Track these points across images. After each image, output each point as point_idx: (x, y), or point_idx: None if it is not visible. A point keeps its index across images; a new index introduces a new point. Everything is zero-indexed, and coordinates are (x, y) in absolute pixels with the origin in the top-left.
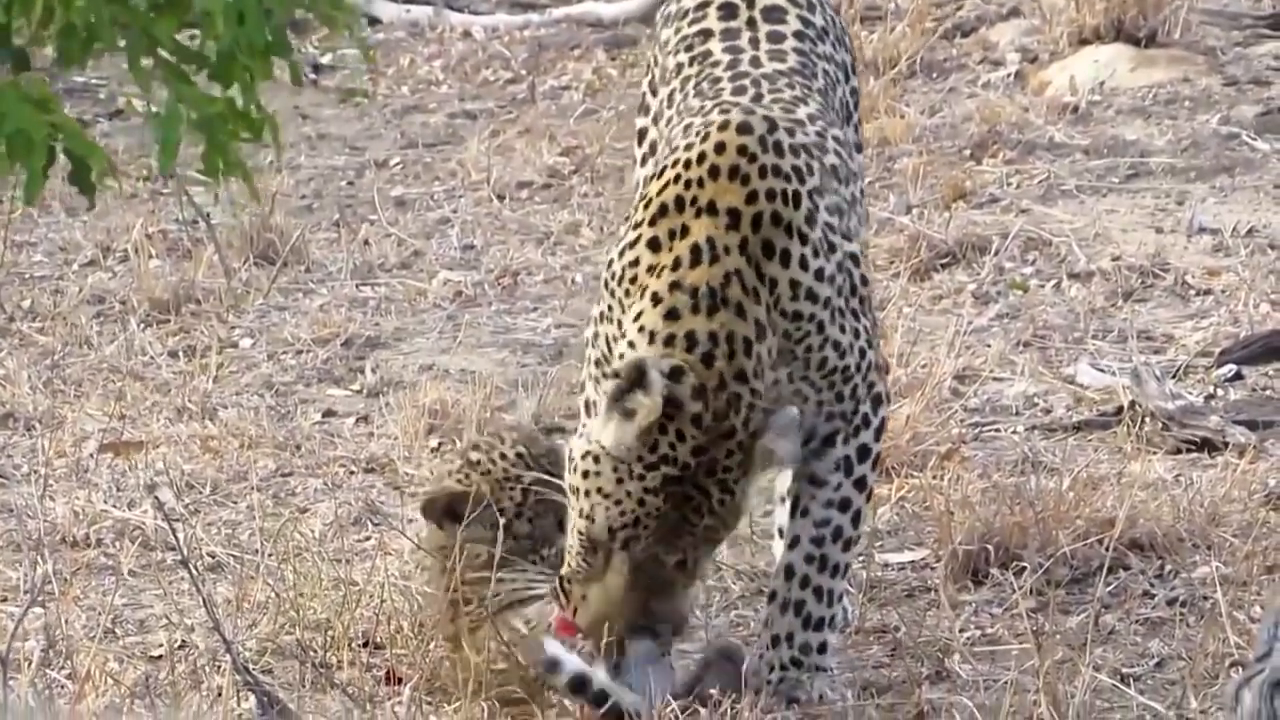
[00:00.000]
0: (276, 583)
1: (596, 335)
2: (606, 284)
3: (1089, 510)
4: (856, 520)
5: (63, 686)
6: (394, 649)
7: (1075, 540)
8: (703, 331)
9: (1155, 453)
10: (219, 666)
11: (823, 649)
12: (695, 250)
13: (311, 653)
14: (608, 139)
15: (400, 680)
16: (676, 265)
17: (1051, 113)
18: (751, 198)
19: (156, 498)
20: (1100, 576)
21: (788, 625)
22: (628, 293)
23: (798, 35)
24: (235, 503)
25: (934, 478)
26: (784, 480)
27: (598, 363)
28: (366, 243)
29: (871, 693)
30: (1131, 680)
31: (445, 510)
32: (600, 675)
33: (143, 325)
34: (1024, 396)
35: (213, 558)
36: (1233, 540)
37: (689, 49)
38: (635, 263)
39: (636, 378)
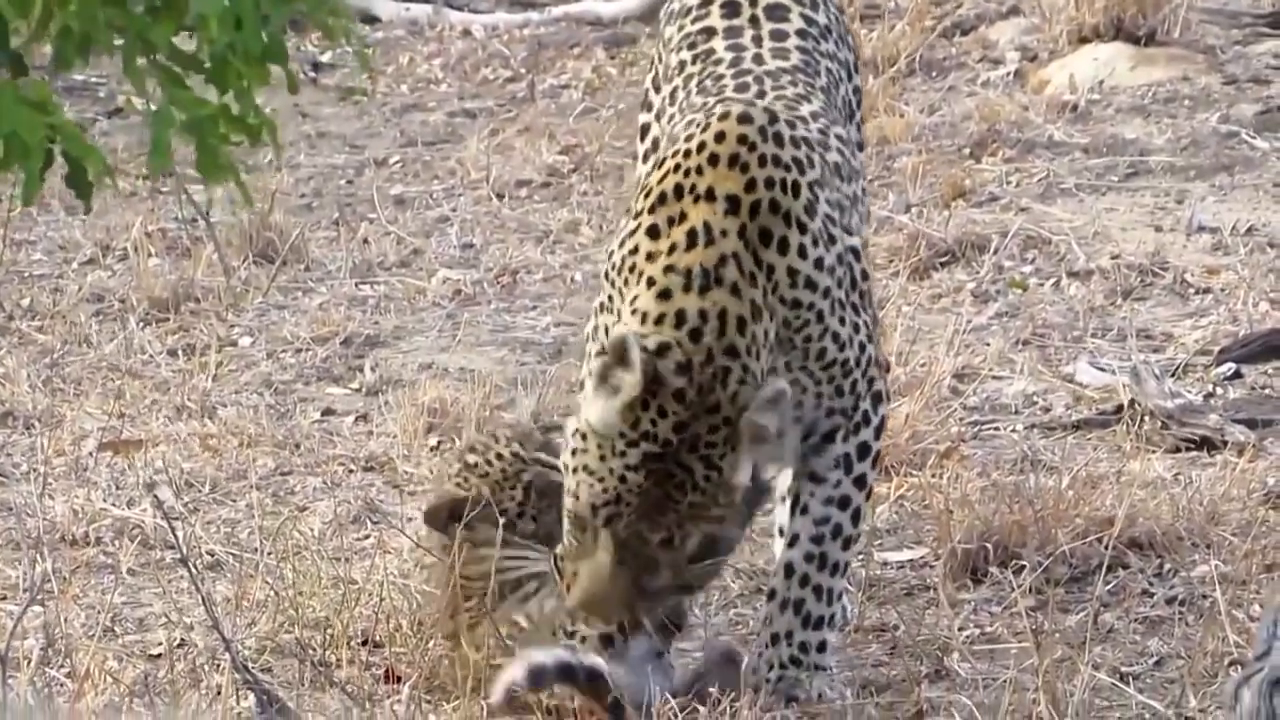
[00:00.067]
0: (275, 581)
1: (597, 328)
2: (607, 274)
3: (1088, 509)
4: (856, 518)
5: (62, 685)
6: (393, 647)
7: (1074, 539)
8: (693, 309)
9: (1154, 451)
10: (218, 665)
11: (822, 647)
12: (692, 234)
13: (311, 651)
14: (607, 137)
15: (399, 679)
16: (672, 250)
17: (1051, 111)
18: (750, 185)
19: (156, 496)
20: (1099, 575)
21: (787, 623)
22: (627, 281)
23: (800, 33)
24: (234, 501)
25: (933, 476)
26: (784, 478)
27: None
28: (366, 241)
29: (870, 691)
30: (1131, 679)
31: (449, 517)
32: (587, 658)
33: (142, 324)
34: (1023, 395)
35: (212, 556)
36: (1232, 539)
37: (692, 46)
38: (634, 250)
39: (620, 353)
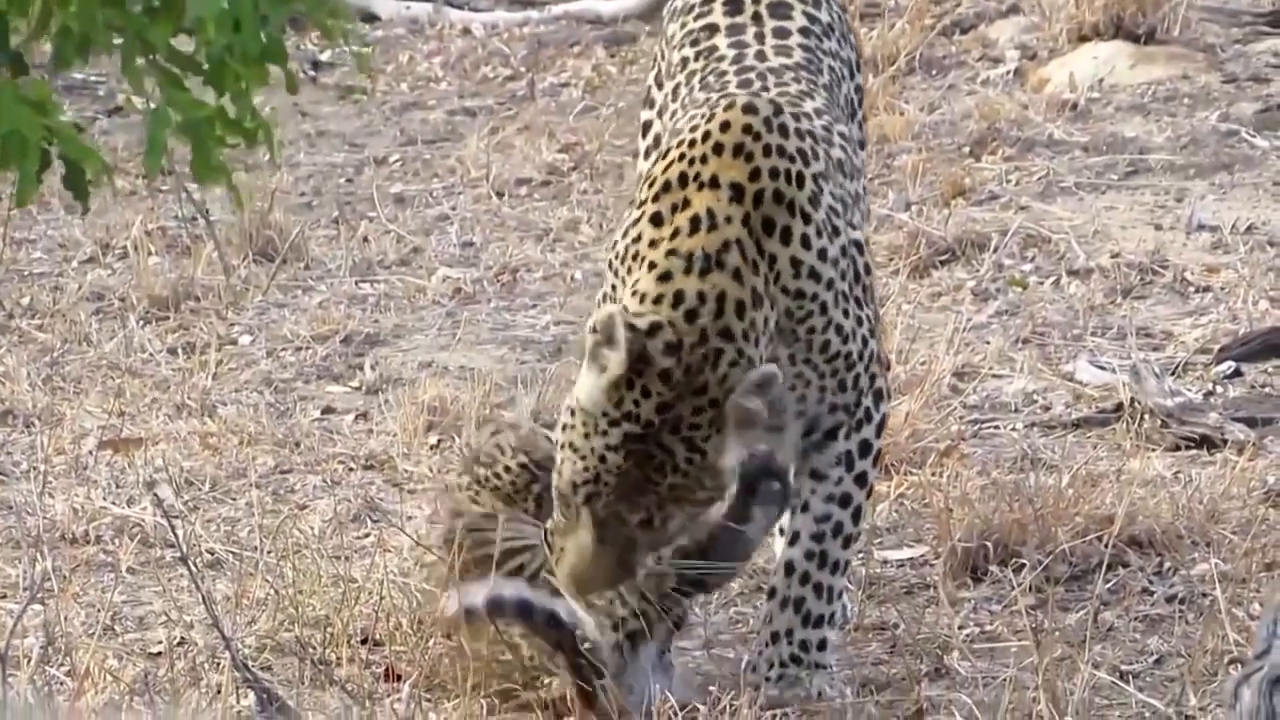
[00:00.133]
0: (275, 580)
1: None
2: (610, 264)
3: (1088, 507)
4: (857, 516)
5: (62, 683)
6: (393, 646)
7: (1074, 537)
8: (692, 290)
9: (1154, 450)
10: (218, 663)
11: (822, 646)
12: (695, 220)
13: (311, 650)
14: (607, 136)
15: (399, 677)
16: (675, 234)
17: (1051, 110)
18: (755, 174)
19: (155, 495)
20: (1099, 573)
21: (787, 622)
22: (630, 269)
23: (803, 31)
24: (234, 500)
25: (933, 475)
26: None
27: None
28: (366, 240)
29: (870, 690)
30: (1130, 677)
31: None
32: (550, 601)
33: (142, 322)
34: (1023, 393)
35: (212, 554)
36: (1232, 537)
37: (694, 43)
38: (638, 239)
39: (609, 332)
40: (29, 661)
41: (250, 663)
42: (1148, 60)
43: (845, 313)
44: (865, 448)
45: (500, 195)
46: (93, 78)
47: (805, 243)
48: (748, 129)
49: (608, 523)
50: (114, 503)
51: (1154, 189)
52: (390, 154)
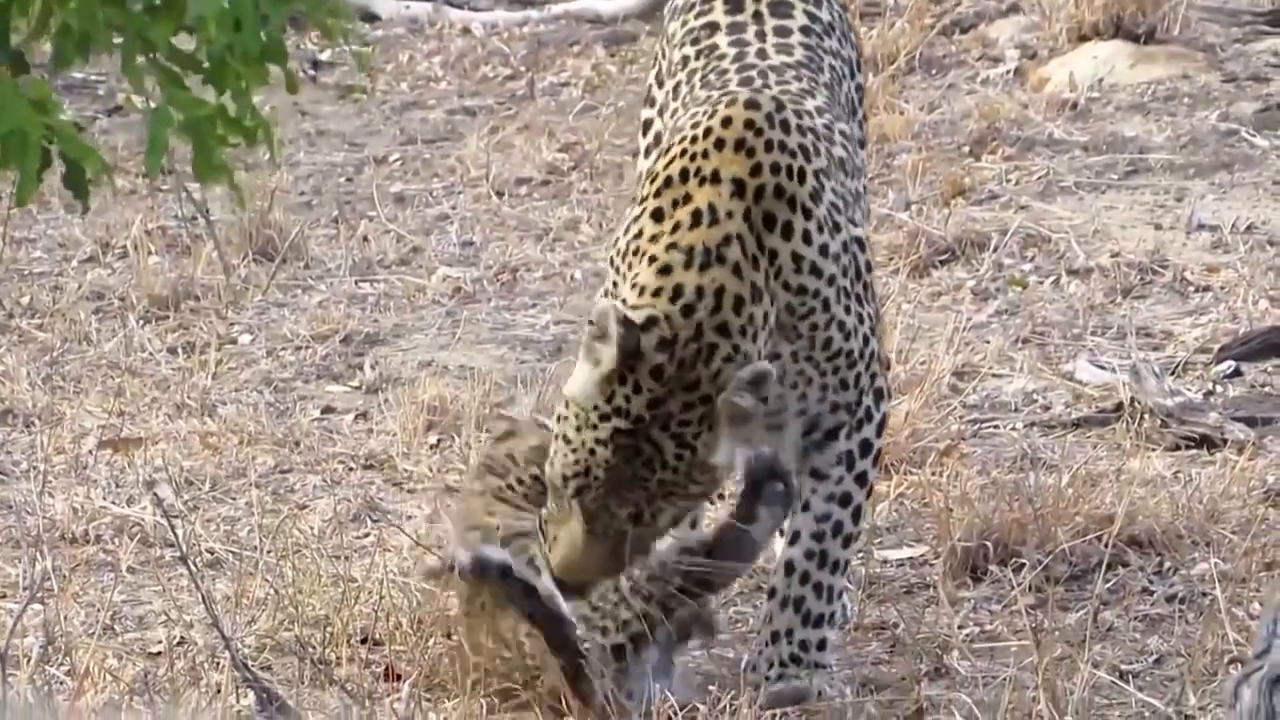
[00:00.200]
0: (275, 579)
1: None
2: (612, 261)
3: (1088, 507)
4: (857, 516)
5: (62, 683)
6: (393, 645)
7: (1074, 537)
8: (691, 284)
9: (1154, 449)
10: (218, 663)
11: (822, 646)
12: (696, 215)
13: (310, 649)
14: (607, 135)
15: (399, 677)
16: (676, 229)
17: (1050, 109)
18: (756, 170)
19: (155, 494)
20: (1099, 573)
21: (787, 621)
22: (630, 265)
23: (804, 30)
24: (234, 499)
25: (933, 474)
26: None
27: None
28: (365, 239)
29: (870, 689)
30: (1130, 677)
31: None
32: (531, 576)
33: (142, 321)
34: (1023, 393)
35: (212, 554)
36: (1231, 537)
37: (695, 42)
38: (639, 234)
39: (603, 326)
40: (29, 661)
41: (250, 662)
42: (1147, 60)
43: (847, 309)
44: (866, 447)
45: (500, 195)
46: (92, 77)
47: (807, 238)
48: (750, 124)
49: (598, 515)
50: (114, 502)
51: (1154, 188)
52: (390, 153)
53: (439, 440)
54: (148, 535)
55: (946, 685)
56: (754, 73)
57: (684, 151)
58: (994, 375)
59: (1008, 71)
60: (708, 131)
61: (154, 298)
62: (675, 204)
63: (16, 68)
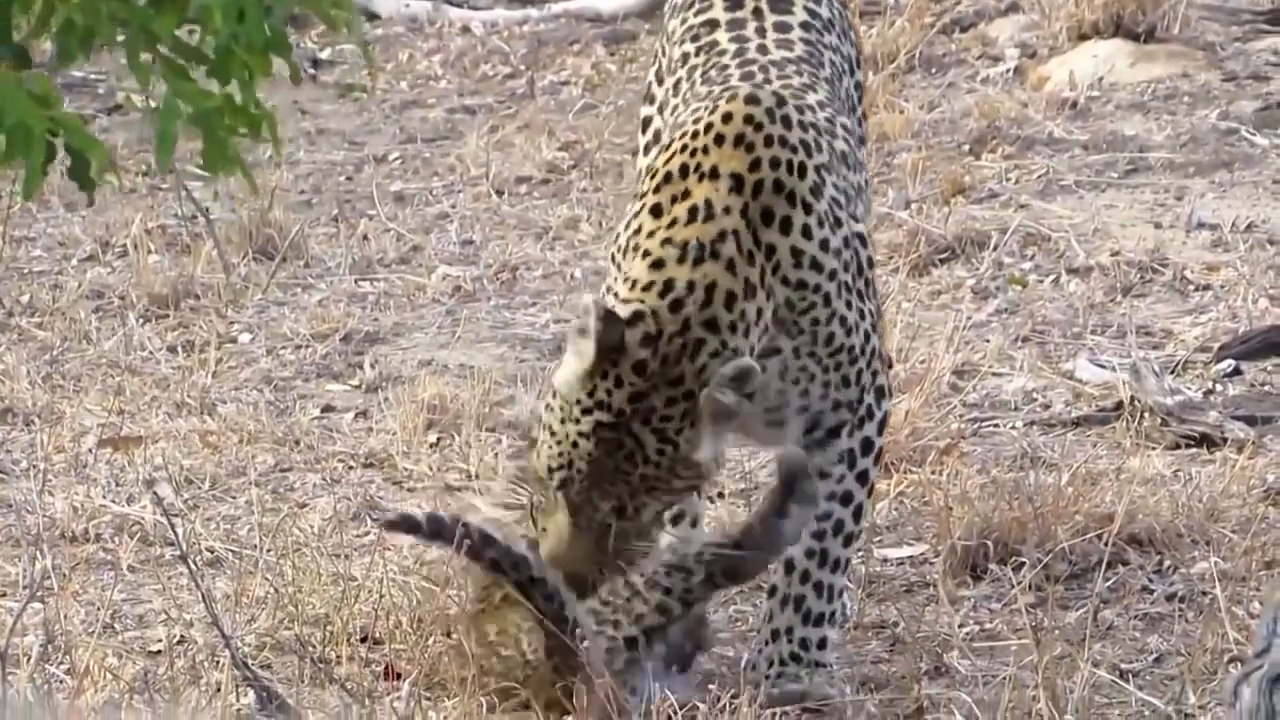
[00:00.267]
0: (275, 578)
1: None
2: (613, 257)
3: (1088, 505)
4: (858, 515)
5: (61, 682)
6: (393, 644)
7: (1074, 535)
8: (682, 279)
9: (1154, 448)
10: (218, 662)
11: (822, 644)
12: (693, 210)
13: (310, 648)
14: (607, 134)
15: (399, 675)
16: (673, 224)
17: (1050, 108)
18: (755, 165)
19: (155, 493)
20: (1099, 572)
21: (787, 620)
22: (629, 261)
23: (804, 25)
24: (234, 498)
25: (933, 473)
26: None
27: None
28: (365, 238)
29: (870, 688)
30: (1130, 676)
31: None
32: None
33: (142, 320)
34: (1023, 392)
35: (211, 553)
36: (1231, 536)
37: (695, 39)
38: (638, 230)
39: (585, 321)
40: (29, 659)
41: (250, 661)
42: (1147, 58)
43: (848, 304)
44: (867, 445)
45: (500, 193)
46: (92, 76)
47: (806, 233)
48: (749, 119)
49: (581, 508)
50: (114, 501)
51: (1154, 187)
52: (390, 152)
53: (439, 439)
54: (148, 534)
55: (946, 684)
56: (755, 68)
57: (684, 147)
58: (994, 374)
59: (1008, 70)
60: (708, 127)
61: (154, 296)
62: (674, 200)
63: (19, 63)
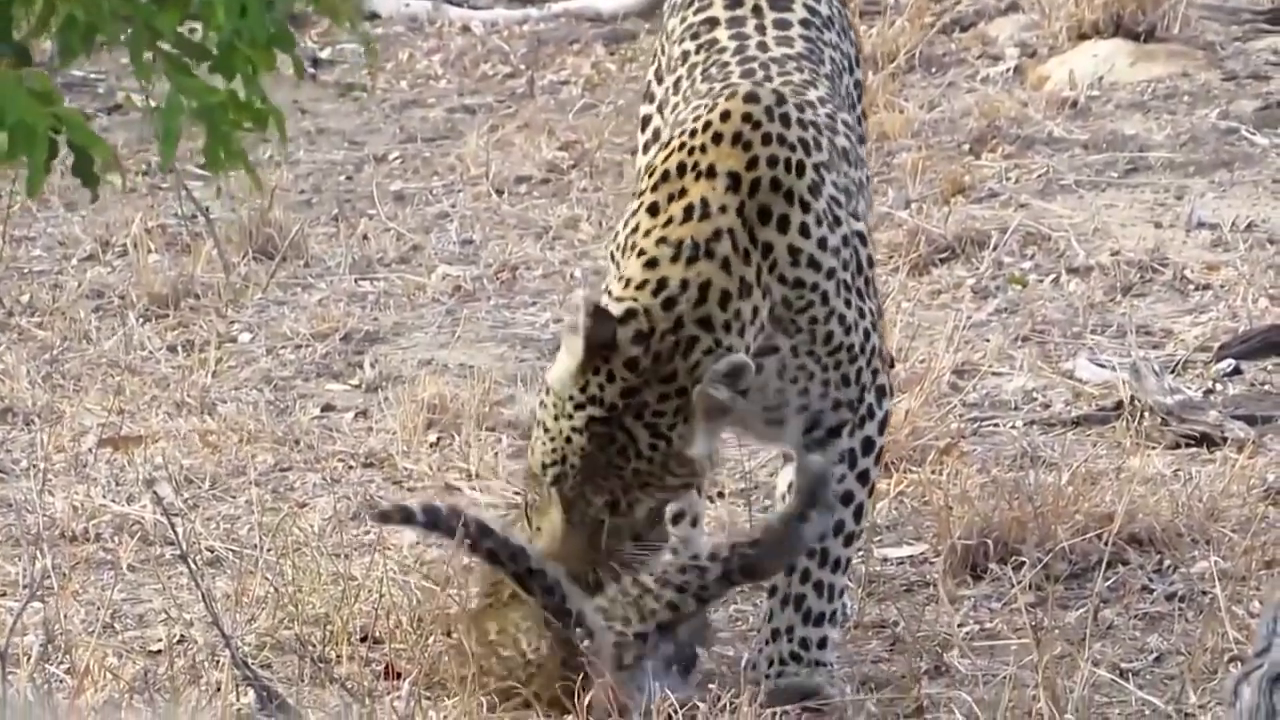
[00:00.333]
0: (275, 578)
1: None
2: (612, 256)
3: (1088, 505)
4: (858, 514)
5: (61, 681)
6: (393, 644)
7: (1074, 535)
8: (675, 278)
9: (1154, 448)
10: (218, 661)
11: (823, 644)
12: (689, 209)
13: (310, 647)
14: (607, 134)
15: (399, 675)
16: (668, 223)
17: (1050, 107)
18: (752, 163)
19: (155, 492)
20: (1099, 571)
21: (788, 619)
22: (627, 259)
23: (804, 23)
24: (234, 497)
25: (933, 473)
26: (785, 475)
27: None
28: (365, 237)
29: (870, 687)
30: (1130, 675)
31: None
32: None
33: (141, 320)
34: (1023, 391)
35: (211, 552)
36: (1231, 535)
37: (695, 37)
38: (635, 229)
39: (575, 317)
40: (29, 659)
41: (250, 660)
42: (1147, 58)
43: (847, 303)
44: (868, 445)
45: (500, 193)
46: (92, 75)
47: (804, 231)
48: (748, 118)
49: (575, 504)
50: (114, 500)
51: (1154, 187)
52: (390, 151)
53: (439, 439)
54: (148, 533)
55: (946, 683)
56: (756, 65)
57: (682, 145)
58: (994, 373)
59: (1008, 70)
60: (706, 125)
61: (154, 296)
62: (671, 198)
63: (19, 61)
